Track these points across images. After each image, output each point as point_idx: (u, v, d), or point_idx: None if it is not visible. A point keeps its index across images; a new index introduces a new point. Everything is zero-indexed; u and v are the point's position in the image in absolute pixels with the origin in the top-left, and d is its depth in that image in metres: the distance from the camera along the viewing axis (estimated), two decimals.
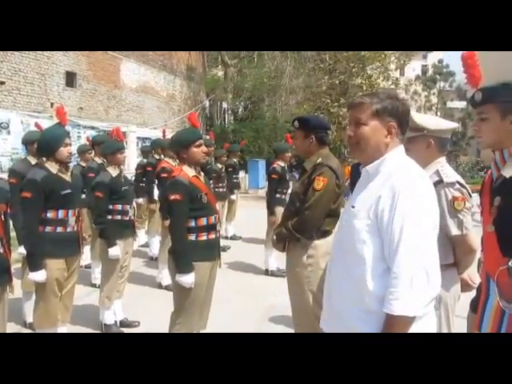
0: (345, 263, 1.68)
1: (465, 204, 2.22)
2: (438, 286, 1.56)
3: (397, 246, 1.51)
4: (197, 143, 3.03)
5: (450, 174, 2.28)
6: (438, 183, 2.26)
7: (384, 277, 1.55)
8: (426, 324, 1.58)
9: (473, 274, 2.39)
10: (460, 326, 2.26)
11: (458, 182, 2.25)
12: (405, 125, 1.71)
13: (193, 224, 2.96)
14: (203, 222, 2.99)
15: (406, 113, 1.71)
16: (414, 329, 1.52)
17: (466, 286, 2.42)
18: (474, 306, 1.93)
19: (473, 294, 2.11)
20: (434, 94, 28.93)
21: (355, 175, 3.82)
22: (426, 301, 1.51)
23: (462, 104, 29.87)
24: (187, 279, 2.88)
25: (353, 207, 1.69)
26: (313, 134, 2.98)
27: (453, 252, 2.31)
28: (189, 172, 3.00)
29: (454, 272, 2.34)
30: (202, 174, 3.15)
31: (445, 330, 2.29)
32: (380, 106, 1.68)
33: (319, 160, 2.92)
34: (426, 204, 1.56)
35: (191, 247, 2.93)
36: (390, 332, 1.50)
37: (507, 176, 1.68)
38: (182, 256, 2.92)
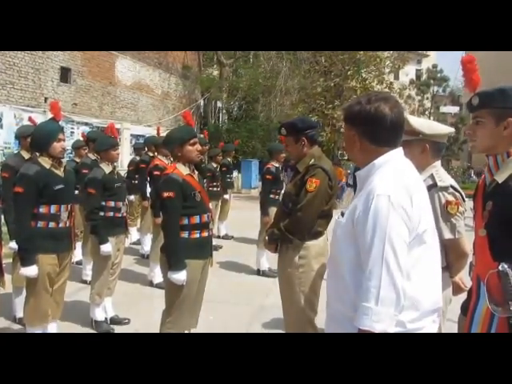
0: (334, 269, 1.68)
1: (458, 208, 2.23)
2: (416, 301, 1.50)
3: (367, 257, 1.45)
4: (191, 141, 3.03)
5: (444, 178, 2.29)
6: (432, 187, 2.27)
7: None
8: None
9: (464, 278, 2.41)
10: (451, 329, 2.28)
11: (452, 187, 2.26)
12: (375, 130, 1.58)
13: (186, 222, 2.96)
14: (196, 219, 2.99)
15: (377, 119, 1.57)
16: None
17: (457, 289, 2.44)
18: (465, 309, 1.95)
19: (464, 297, 2.13)
20: (427, 98, 29.13)
21: (353, 177, 3.84)
22: (394, 317, 1.43)
23: (455, 109, 30.12)
24: (179, 277, 2.87)
25: (342, 214, 1.64)
26: (303, 136, 2.98)
27: (445, 256, 2.33)
28: (183, 170, 3.00)
29: (445, 276, 2.36)
30: (196, 172, 3.15)
31: None
32: (345, 113, 1.65)
33: (312, 161, 2.93)
34: (400, 212, 1.45)
35: (184, 245, 2.93)
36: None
37: (500, 181, 1.70)
38: (174, 253, 2.91)
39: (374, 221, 1.45)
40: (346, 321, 1.54)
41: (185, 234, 2.97)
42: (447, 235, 2.24)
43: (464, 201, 2.29)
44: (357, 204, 1.55)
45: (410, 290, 1.47)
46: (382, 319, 1.41)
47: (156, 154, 6.07)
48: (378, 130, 1.58)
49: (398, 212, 1.44)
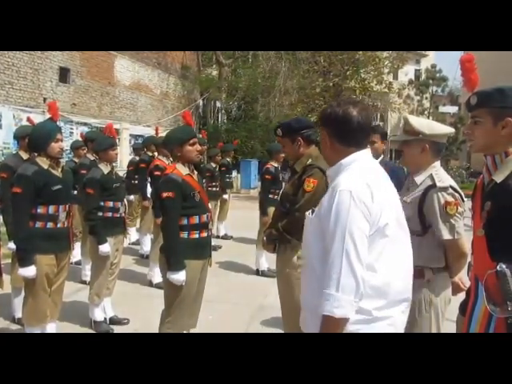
0: (306, 262, 1.77)
1: (457, 209, 2.23)
2: (381, 291, 1.59)
3: (330, 248, 1.56)
4: (191, 141, 3.03)
5: (444, 179, 2.29)
6: (431, 187, 2.27)
7: None
8: (380, 329, 1.60)
9: (464, 278, 2.41)
10: (450, 329, 2.28)
11: (451, 187, 2.26)
12: (343, 131, 1.70)
13: (185, 222, 2.96)
14: (195, 220, 2.99)
15: (344, 120, 1.68)
16: (365, 331, 1.57)
17: (457, 289, 2.44)
18: (463, 309, 1.95)
19: (463, 297, 2.13)
20: (426, 98, 29.15)
21: None
22: (354, 304, 1.52)
23: (454, 109, 30.13)
24: (178, 277, 2.87)
25: (312, 211, 1.72)
26: (299, 136, 2.98)
27: (444, 256, 2.33)
28: (182, 170, 3.00)
29: (445, 276, 2.36)
30: (196, 172, 3.15)
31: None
32: (319, 115, 1.79)
33: (309, 161, 2.93)
34: (360, 207, 1.54)
35: (183, 245, 2.93)
36: (324, 331, 1.54)
37: (498, 181, 1.70)
38: (173, 254, 2.92)
39: (336, 214, 1.56)
40: (318, 316, 1.58)
41: (184, 235, 2.97)
42: (446, 236, 2.24)
43: (463, 201, 2.29)
44: (323, 200, 1.66)
45: (375, 280, 1.58)
46: (342, 305, 1.51)
47: (156, 154, 6.07)
48: (346, 130, 1.70)
49: (358, 206, 1.54)
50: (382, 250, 1.60)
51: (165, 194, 2.91)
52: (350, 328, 1.56)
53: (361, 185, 1.59)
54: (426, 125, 2.37)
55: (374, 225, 1.57)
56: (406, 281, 1.72)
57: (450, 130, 2.49)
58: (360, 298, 1.53)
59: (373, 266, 1.58)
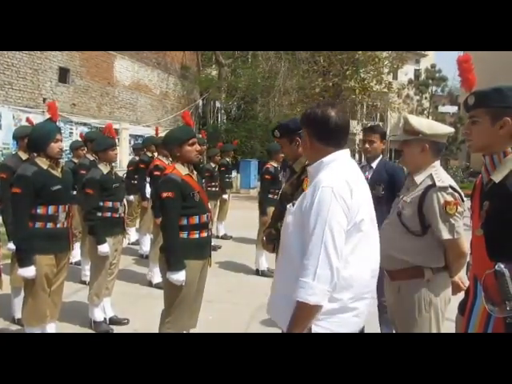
0: (283, 254, 1.85)
1: (457, 208, 2.23)
2: (353, 283, 1.70)
3: (309, 240, 1.65)
4: (190, 141, 3.03)
5: (444, 179, 2.29)
6: (431, 187, 2.27)
7: None
8: (345, 320, 1.71)
9: (464, 278, 2.41)
10: (450, 329, 2.28)
11: (451, 187, 2.26)
12: (322, 131, 1.80)
13: (185, 222, 2.96)
14: (195, 220, 2.99)
15: (323, 120, 1.79)
16: (332, 321, 1.69)
17: (457, 289, 2.44)
18: (462, 308, 1.95)
19: (462, 296, 2.13)
20: (426, 98, 29.15)
21: None
22: (327, 293, 1.62)
23: (454, 109, 30.15)
24: (178, 277, 2.88)
25: (293, 205, 1.83)
26: (296, 137, 2.98)
27: (444, 255, 2.33)
28: (182, 170, 3.00)
29: (445, 275, 2.36)
30: (195, 172, 3.15)
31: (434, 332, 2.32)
32: (301, 116, 1.90)
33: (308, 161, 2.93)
34: (340, 203, 1.64)
35: (183, 245, 2.93)
36: (296, 316, 1.64)
37: (496, 181, 1.70)
38: (173, 254, 2.92)
39: (317, 209, 1.65)
40: (291, 304, 1.66)
41: (184, 235, 2.97)
42: (446, 235, 2.24)
43: (463, 201, 2.29)
44: (306, 195, 1.75)
45: (348, 272, 1.68)
46: (316, 293, 1.60)
47: (156, 154, 6.07)
48: (324, 130, 1.80)
49: (338, 202, 1.65)
50: (357, 244, 1.70)
51: (164, 194, 2.91)
52: (322, 316, 1.67)
53: (341, 182, 1.69)
54: (425, 124, 2.37)
55: (351, 220, 1.67)
56: (373, 275, 1.82)
57: (450, 129, 2.49)
58: (334, 288, 1.63)
59: (347, 259, 1.68)
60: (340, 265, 1.63)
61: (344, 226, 1.65)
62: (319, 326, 1.69)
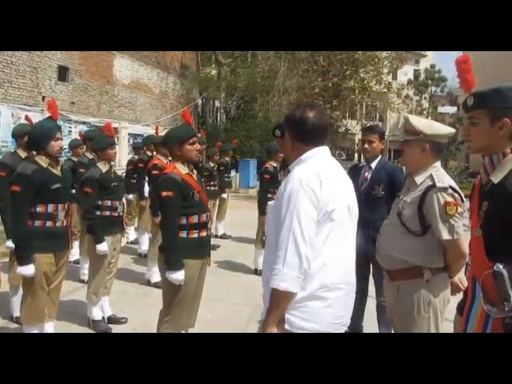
0: (267, 245, 1.95)
1: (457, 209, 2.23)
2: (327, 272, 1.76)
3: (281, 229, 1.75)
4: (190, 141, 3.03)
5: (444, 179, 2.29)
6: (431, 188, 2.27)
7: None
8: (316, 310, 1.76)
9: (463, 278, 2.41)
10: (448, 329, 2.28)
11: (451, 187, 2.26)
12: (300, 131, 1.89)
13: (184, 221, 2.96)
14: (195, 219, 2.99)
15: (301, 122, 1.88)
16: (303, 310, 1.75)
17: (456, 289, 2.44)
18: (461, 309, 1.95)
19: (461, 296, 2.13)
20: (425, 98, 29.15)
21: (351, 177, 3.84)
22: (298, 279, 1.69)
23: (453, 109, 30.14)
24: (177, 276, 2.87)
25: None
26: None
27: (444, 256, 2.33)
28: (182, 169, 3.00)
29: (444, 276, 2.36)
30: (195, 171, 3.15)
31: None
32: (284, 118, 1.99)
33: None
34: (308, 193, 1.72)
35: (182, 244, 2.93)
36: (270, 303, 1.73)
37: (495, 181, 1.70)
38: (172, 253, 2.91)
39: (287, 199, 1.75)
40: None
41: (183, 234, 2.97)
42: (445, 236, 2.24)
43: (463, 201, 2.29)
44: (280, 188, 1.86)
45: (320, 261, 1.75)
46: (286, 279, 1.69)
47: (155, 153, 6.07)
48: (302, 131, 1.89)
49: (306, 192, 1.73)
50: (329, 234, 1.77)
51: (164, 194, 2.91)
52: (294, 305, 1.74)
53: (310, 174, 1.78)
54: (426, 125, 2.37)
55: (322, 210, 1.75)
56: (348, 267, 1.87)
57: (450, 130, 2.49)
58: (304, 274, 1.71)
59: (319, 248, 1.75)
60: (309, 252, 1.71)
61: (312, 215, 1.73)
62: (291, 315, 1.75)
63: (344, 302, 1.85)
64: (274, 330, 1.71)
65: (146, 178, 5.95)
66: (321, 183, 1.76)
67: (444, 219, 2.23)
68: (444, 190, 2.25)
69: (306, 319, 1.75)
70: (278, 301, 1.72)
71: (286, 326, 1.75)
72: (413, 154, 2.39)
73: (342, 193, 1.85)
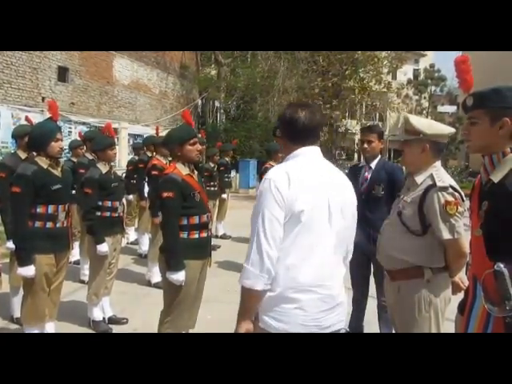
0: None
1: (457, 208, 2.23)
2: (295, 274, 1.75)
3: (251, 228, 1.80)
4: (191, 141, 3.03)
5: (444, 179, 2.29)
6: (431, 187, 2.27)
7: None
8: (287, 311, 1.76)
9: (464, 278, 2.41)
10: (449, 329, 2.28)
11: (451, 187, 2.26)
12: (290, 130, 1.91)
13: (185, 222, 2.96)
14: (195, 220, 2.99)
15: (291, 121, 1.89)
16: (276, 311, 1.77)
17: (457, 289, 2.44)
18: (462, 308, 1.95)
19: (462, 296, 2.13)
20: (425, 98, 29.15)
21: (351, 177, 3.84)
22: (261, 277, 1.73)
23: (453, 108, 30.15)
24: (178, 277, 2.87)
25: None
26: None
27: (444, 256, 2.33)
28: (182, 170, 3.00)
29: (445, 276, 2.36)
30: (196, 172, 3.15)
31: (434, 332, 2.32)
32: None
33: None
34: (274, 193, 1.74)
35: (183, 245, 2.93)
36: (240, 300, 1.81)
37: (495, 181, 1.70)
38: (173, 254, 2.91)
39: (257, 199, 1.80)
40: None
41: (184, 235, 2.97)
42: (446, 235, 2.24)
43: (463, 201, 2.29)
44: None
45: (289, 262, 1.75)
46: (249, 277, 1.75)
47: (154, 153, 6.07)
48: (292, 130, 1.91)
49: (272, 192, 1.74)
50: (297, 235, 1.76)
51: (165, 194, 2.91)
52: (266, 306, 1.77)
53: (280, 174, 1.79)
54: (426, 124, 2.37)
55: (289, 211, 1.74)
56: (323, 272, 1.81)
57: (450, 129, 2.48)
58: (267, 273, 1.73)
59: (288, 249, 1.76)
60: (272, 251, 1.73)
61: (276, 215, 1.74)
62: (265, 314, 1.79)
63: (319, 306, 1.79)
64: (244, 326, 1.77)
65: (146, 179, 5.95)
66: (289, 182, 1.76)
67: (444, 218, 2.23)
68: (444, 189, 2.25)
69: (276, 319, 1.77)
70: (245, 297, 1.80)
71: (261, 325, 1.80)
72: (413, 153, 2.39)
73: (319, 194, 1.81)
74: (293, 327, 1.75)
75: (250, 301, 1.79)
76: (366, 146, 3.57)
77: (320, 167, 1.90)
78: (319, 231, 1.80)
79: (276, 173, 1.81)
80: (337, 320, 1.86)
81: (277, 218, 1.74)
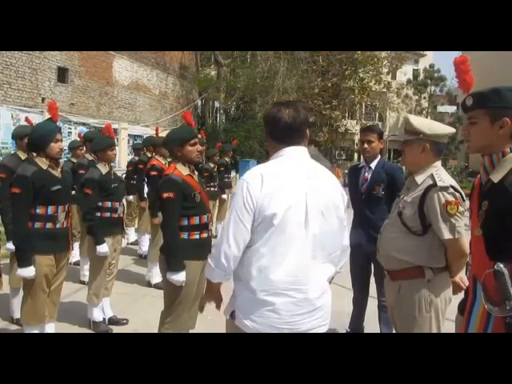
0: None
1: (458, 208, 2.23)
2: (266, 275, 1.76)
3: None
4: (192, 141, 3.03)
5: (445, 179, 2.29)
6: (432, 187, 2.27)
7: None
8: (262, 313, 1.77)
9: (464, 277, 2.41)
10: (450, 329, 2.28)
11: (452, 186, 2.26)
12: (274, 130, 1.91)
13: (185, 222, 2.96)
14: (196, 220, 2.99)
15: (274, 120, 1.89)
16: (254, 312, 1.79)
17: (457, 289, 2.44)
18: (462, 308, 1.95)
19: (462, 296, 2.13)
20: (424, 98, 29.19)
21: (351, 178, 3.84)
22: (216, 271, 1.83)
23: (452, 108, 30.19)
24: (178, 277, 2.87)
25: None
26: None
27: (445, 255, 2.33)
28: (183, 170, 3.00)
29: (445, 275, 2.36)
30: (196, 172, 3.15)
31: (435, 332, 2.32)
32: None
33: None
34: (244, 194, 1.76)
35: (183, 245, 2.93)
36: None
37: (495, 181, 1.70)
38: (173, 254, 2.91)
39: (231, 198, 1.82)
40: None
41: (184, 235, 2.96)
42: (447, 235, 2.24)
43: (464, 201, 2.29)
44: None
45: (260, 264, 1.76)
46: (207, 268, 1.89)
47: (154, 154, 6.06)
48: (276, 129, 1.90)
49: (243, 194, 1.77)
50: (269, 238, 1.75)
51: (165, 195, 2.91)
52: (243, 306, 1.82)
53: (254, 175, 1.80)
54: (426, 124, 2.37)
55: (260, 213, 1.75)
56: (296, 274, 1.78)
57: (450, 129, 2.49)
58: (222, 269, 1.80)
59: (260, 251, 1.77)
60: (230, 250, 1.77)
61: (242, 217, 1.76)
62: (240, 312, 1.83)
63: (293, 310, 1.77)
64: (209, 299, 2.08)
65: (146, 179, 5.95)
66: (262, 185, 1.75)
67: (445, 218, 2.23)
68: (445, 189, 2.25)
69: (251, 319, 1.78)
70: (207, 283, 2.02)
71: (236, 323, 1.84)
72: (413, 153, 2.39)
73: (295, 196, 1.77)
74: (265, 328, 1.75)
75: (210, 285, 2.00)
76: (366, 146, 3.57)
77: (302, 168, 1.86)
78: (293, 234, 1.77)
79: (251, 174, 1.82)
80: (317, 324, 1.83)
81: (242, 220, 1.75)
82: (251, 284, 1.78)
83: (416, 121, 2.38)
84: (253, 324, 1.78)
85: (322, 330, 1.86)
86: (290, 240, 1.76)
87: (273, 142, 1.94)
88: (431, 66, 29.63)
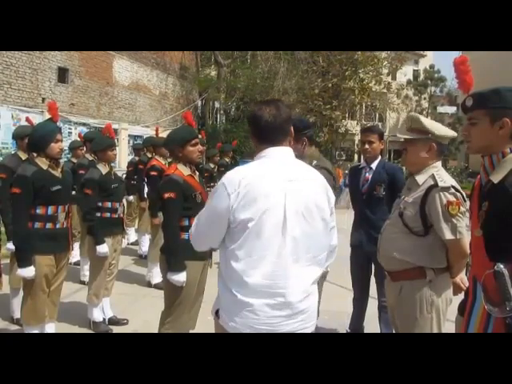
0: None
1: (459, 208, 2.23)
2: (242, 278, 1.75)
3: None
4: (193, 142, 3.03)
5: (446, 179, 2.30)
6: (433, 187, 2.28)
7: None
8: (243, 314, 1.76)
9: (464, 278, 2.41)
10: (450, 330, 2.28)
11: (453, 187, 2.27)
12: (255, 129, 1.88)
13: (186, 223, 2.96)
14: None
15: (255, 119, 1.85)
16: (239, 313, 1.77)
17: (458, 289, 2.44)
18: (462, 309, 1.95)
19: (462, 297, 2.13)
20: (424, 98, 29.21)
21: (352, 178, 3.84)
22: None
23: (452, 109, 30.20)
24: (179, 278, 2.87)
25: None
26: (303, 136, 2.97)
27: (446, 256, 2.33)
28: (184, 170, 3.00)
29: (447, 276, 2.36)
30: (197, 173, 3.15)
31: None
32: None
33: (315, 162, 2.92)
34: (222, 197, 1.73)
35: (184, 246, 2.92)
36: None
37: (495, 181, 1.70)
38: (174, 254, 2.91)
39: (209, 196, 1.85)
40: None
41: (185, 236, 2.96)
42: (448, 235, 2.24)
43: (465, 201, 2.29)
44: None
45: (237, 266, 1.75)
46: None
47: (154, 154, 6.06)
48: (257, 128, 1.87)
49: (220, 196, 1.75)
50: (245, 241, 1.73)
51: (166, 195, 2.90)
52: (226, 307, 1.82)
53: (231, 178, 1.77)
54: (436, 126, 2.39)
55: (235, 217, 1.72)
56: (274, 277, 1.73)
57: (453, 133, 2.51)
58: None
59: (237, 254, 1.75)
60: (204, 246, 1.98)
61: (211, 218, 1.80)
62: (224, 313, 1.84)
63: (271, 313, 1.74)
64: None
65: (145, 179, 5.95)
66: (239, 188, 1.71)
67: (446, 219, 2.23)
68: (446, 189, 2.26)
69: (231, 318, 1.79)
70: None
71: (220, 322, 1.87)
72: (417, 152, 2.39)
73: (273, 199, 1.72)
74: (244, 329, 1.74)
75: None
76: (366, 146, 3.58)
77: (283, 170, 1.80)
78: (270, 238, 1.72)
79: (229, 177, 1.78)
80: (299, 326, 1.78)
81: (212, 218, 1.80)
82: (230, 285, 1.79)
83: (426, 121, 2.39)
84: (233, 324, 1.78)
85: (307, 332, 1.81)
86: (267, 243, 1.72)
87: (256, 142, 1.89)
88: (431, 66, 29.66)
